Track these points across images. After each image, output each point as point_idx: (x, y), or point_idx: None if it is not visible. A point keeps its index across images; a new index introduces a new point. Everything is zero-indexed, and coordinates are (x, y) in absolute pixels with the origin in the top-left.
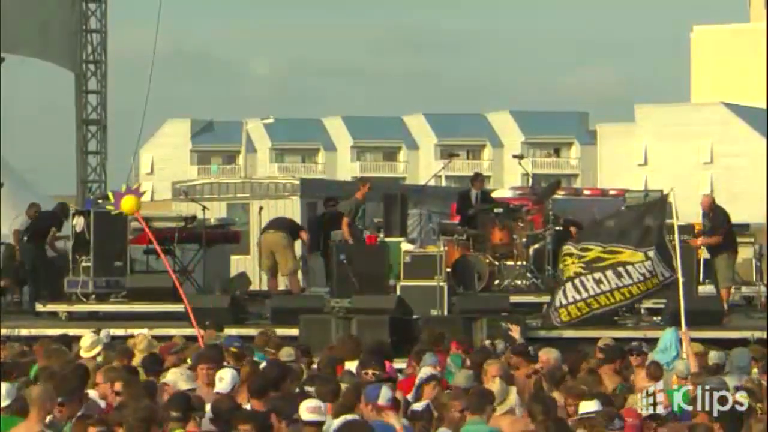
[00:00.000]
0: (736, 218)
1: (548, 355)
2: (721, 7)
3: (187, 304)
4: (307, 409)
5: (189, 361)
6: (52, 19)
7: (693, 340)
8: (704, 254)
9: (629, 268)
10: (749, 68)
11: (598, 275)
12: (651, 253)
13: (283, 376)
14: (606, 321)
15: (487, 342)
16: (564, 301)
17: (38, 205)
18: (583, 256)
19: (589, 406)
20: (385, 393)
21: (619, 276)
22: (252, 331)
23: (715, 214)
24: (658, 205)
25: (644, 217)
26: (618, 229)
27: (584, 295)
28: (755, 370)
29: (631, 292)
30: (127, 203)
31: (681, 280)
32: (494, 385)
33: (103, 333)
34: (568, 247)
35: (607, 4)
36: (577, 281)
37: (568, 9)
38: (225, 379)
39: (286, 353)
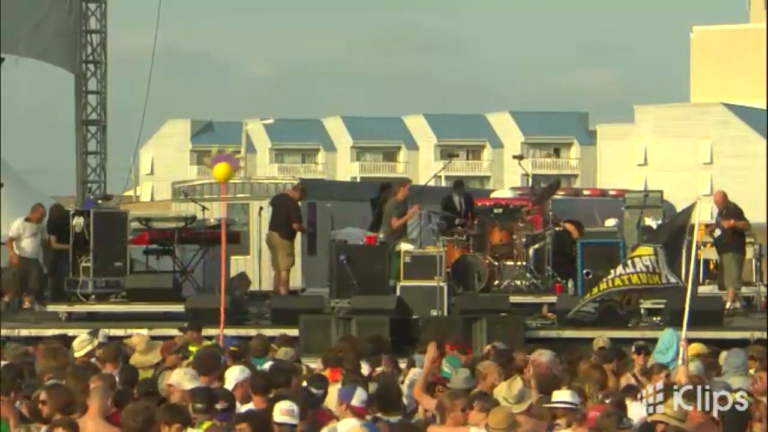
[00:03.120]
0: None
1: (540, 359)
2: (721, 7)
3: None
4: (281, 412)
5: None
6: (47, 20)
7: (693, 340)
8: (704, 254)
9: (636, 259)
10: (749, 68)
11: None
12: (659, 249)
13: (288, 378)
14: (605, 321)
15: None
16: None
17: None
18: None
19: (563, 396)
20: (359, 394)
21: (624, 266)
22: (252, 331)
23: (728, 210)
24: (686, 209)
25: (675, 219)
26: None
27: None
28: (752, 370)
29: (630, 280)
30: (220, 170)
31: (690, 286)
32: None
33: (101, 334)
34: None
35: (607, 4)
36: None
37: (568, 9)
38: (228, 378)
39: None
